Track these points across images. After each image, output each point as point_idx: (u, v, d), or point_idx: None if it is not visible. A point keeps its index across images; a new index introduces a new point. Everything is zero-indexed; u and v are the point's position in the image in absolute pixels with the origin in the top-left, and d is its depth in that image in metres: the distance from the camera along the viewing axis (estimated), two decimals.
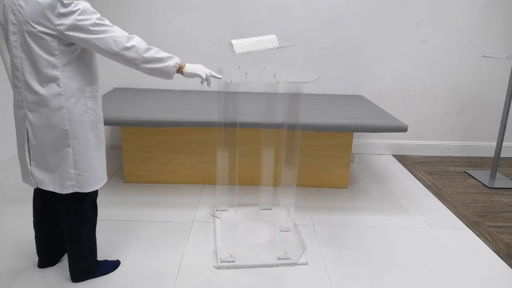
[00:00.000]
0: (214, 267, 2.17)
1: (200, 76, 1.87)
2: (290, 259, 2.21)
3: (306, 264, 2.19)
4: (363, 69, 3.97)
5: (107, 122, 2.75)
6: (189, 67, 1.84)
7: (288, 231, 2.41)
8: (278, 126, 2.80)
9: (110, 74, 3.82)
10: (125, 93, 3.59)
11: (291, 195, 2.29)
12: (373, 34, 3.86)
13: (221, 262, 2.18)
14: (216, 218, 2.66)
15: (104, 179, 1.93)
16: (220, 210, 2.76)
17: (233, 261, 2.19)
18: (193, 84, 3.86)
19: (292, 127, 2.37)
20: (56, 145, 1.74)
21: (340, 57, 3.91)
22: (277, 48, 1.89)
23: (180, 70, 1.82)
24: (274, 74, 2.07)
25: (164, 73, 1.78)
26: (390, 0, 3.78)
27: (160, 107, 3.07)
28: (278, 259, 2.21)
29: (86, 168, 1.81)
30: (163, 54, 1.76)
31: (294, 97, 2.26)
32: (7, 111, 3.37)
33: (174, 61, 1.78)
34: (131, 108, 3.02)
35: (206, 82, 1.91)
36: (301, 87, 2.15)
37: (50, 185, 1.81)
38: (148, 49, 1.72)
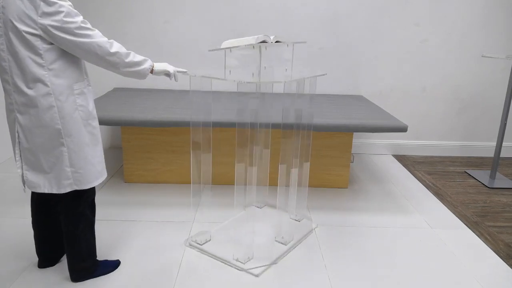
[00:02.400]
0: (184, 243, 2.36)
1: (168, 72, 2.02)
2: (243, 264, 2.18)
3: (256, 276, 2.10)
4: (363, 69, 3.97)
5: (107, 122, 2.75)
6: (157, 66, 1.98)
7: (284, 244, 2.37)
8: (276, 126, 2.79)
9: (110, 74, 3.81)
10: (125, 93, 3.59)
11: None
12: (373, 34, 3.87)
13: (192, 241, 2.36)
14: (244, 212, 2.73)
15: (103, 174, 1.92)
16: (255, 206, 2.82)
17: (200, 245, 2.33)
18: (193, 85, 3.85)
19: (289, 127, 2.37)
20: (49, 145, 1.74)
21: (340, 57, 3.91)
22: (253, 46, 1.93)
23: (151, 70, 1.95)
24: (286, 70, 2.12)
25: (141, 75, 1.89)
26: (390, 0, 3.78)
27: (160, 107, 3.07)
28: (233, 259, 2.21)
29: (83, 165, 1.80)
30: (139, 57, 1.86)
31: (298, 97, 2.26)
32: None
33: (148, 64, 1.90)
34: (131, 108, 3.02)
35: (174, 78, 2.06)
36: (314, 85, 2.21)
37: (46, 187, 1.79)
38: (128, 54, 1.80)
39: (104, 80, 3.84)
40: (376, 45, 3.90)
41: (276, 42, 2.09)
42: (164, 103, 3.22)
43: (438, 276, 2.20)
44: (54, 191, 1.80)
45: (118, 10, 3.69)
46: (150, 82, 3.87)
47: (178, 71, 2.09)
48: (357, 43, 3.88)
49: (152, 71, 1.95)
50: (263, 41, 2.01)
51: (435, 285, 2.11)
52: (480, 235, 2.66)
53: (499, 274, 2.25)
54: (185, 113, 2.93)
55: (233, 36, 3.71)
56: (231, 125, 2.78)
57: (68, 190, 1.81)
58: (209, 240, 2.39)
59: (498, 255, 2.42)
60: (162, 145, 3.13)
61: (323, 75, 2.29)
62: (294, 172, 2.38)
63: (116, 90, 3.75)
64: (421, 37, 3.90)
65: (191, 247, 2.33)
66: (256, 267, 2.16)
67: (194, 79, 2.24)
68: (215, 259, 2.24)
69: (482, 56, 3.85)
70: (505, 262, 2.36)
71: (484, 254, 2.43)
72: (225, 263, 2.20)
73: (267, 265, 2.19)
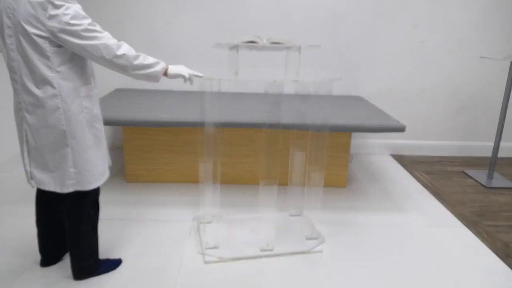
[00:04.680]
0: (192, 219, 2.65)
1: (183, 76, 1.98)
2: (205, 248, 2.33)
3: (204, 262, 2.20)
4: (362, 70, 3.99)
5: (109, 122, 2.76)
6: (172, 69, 1.94)
7: (259, 249, 2.35)
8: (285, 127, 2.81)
9: (111, 75, 3.79)
10: (127, 94, 3.61)
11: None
12: (372, 35, 3.89)
13: (198, 218, 2.64)
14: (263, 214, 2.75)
15: (105, 175, 1.94)
16: (293, 215, 2.78)
17: (199, 223, 2.58)
18: (194, 85, 3.87)
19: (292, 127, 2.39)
20: (55, 145, 1.76)
21: (339, 57, 3.93)
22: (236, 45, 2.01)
23: (164, 72, 1.91)
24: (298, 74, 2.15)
25: (152, 78, 1.87)
26: (390, 1, 3.80)
27: (161, 108, 3.09)
28: (203, 245, 2.34)
29: (86, 166, 1.83)
30: (150, 60, 1.83)
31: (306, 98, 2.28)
32: (7, 111, 3.37)
33: (160, 66, 1.87)
34: (133, 108, 3.04)
35: (189, 81, 2.03)
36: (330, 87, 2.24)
37: (51, 185, 1.83)
38: (137, 57, 1.78)
39: (106, 81, 3.84)
40: (375, 46, 3.92)
41: (274, 43, 2.10)
42: (165, 104, 3.24)
43: (436, 275, 2.21)
44: (58, 190, 1.83)
45: (119, 12, 3.71)
46: (151, 83, 3.88)
47: (194, 75, 2.04)
48: (356, 43, 3.90)
49: (166, 74, 1.92)
50: (252, 41, 2.04)
51: (433, 284, 2.13)
52: (478, 234, 2.68)
53: (497, 273, 2.27)
54: (186, 113, 2.95)
55: (233, 37, 3.73)
56: (236, 125, 2.81)
57: (70, 190, 1.83)
58: (210, 222, 2.58)
59: (496, 254, 2.44)
60: (163, 145, 3.14)
61: (321, 80, 2.30)
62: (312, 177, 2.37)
63: (117, 90, 3.77)
64: (420, 37, 3.92)
65: (193, 221, 2.61)
66: (212, 256, 2.25)
67: (203, 81, 2.24)
68: (195, 236, 2.43)
69: (480, 57, 3.87)
70: (503, 261, 2.38)
71: (482, 253, 2.45)
72: (198, 242, 2.39)
73: (220, 257, 2.24)
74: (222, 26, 3.78)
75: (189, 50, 3.82)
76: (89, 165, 1.84)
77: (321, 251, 2.36)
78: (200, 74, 2.05)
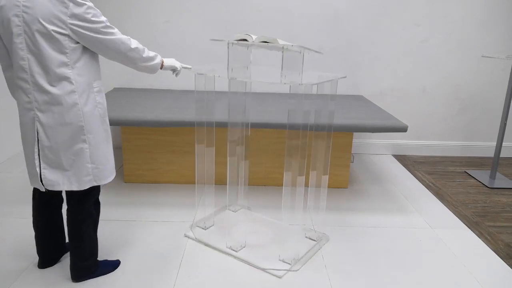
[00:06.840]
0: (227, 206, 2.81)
1: (176, 68, 2.13)
2: (189, 228, 2.49)
3: (185, 236, 2.41)
4: (363, 69, 3.97)
5: None
6: (166, 61, 2.08)
7: (230, 248, 2.33)
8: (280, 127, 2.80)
9: (110, 74, 3.82)
10: (126, 93, 3.59)
11: None
12: (373, 34, 3.87)
13: (228, 207, 2.81)
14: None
15: (114, 171, 1.98)
16: (308, 237, 2.58)
17: (227, 209, 2.81)
18: (193, 84, 3.86)
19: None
20: (71, 143, 1.76)
21: (340, 57, 3.91)
22: (229, 43, 2.09)
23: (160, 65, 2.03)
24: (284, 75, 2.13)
25: (154, 69, 1.98)
26: (390, 0, 3.78)
27: (160, 107, 3.07)
28: (197, 223, 2.49)
29: (102, 161, 1.86)
30: (152, 53, 1.94)
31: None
32: (7, 111, 3.37)
33: (159, 58, 1.99)
34: (132, 108, 3.03)
35: (176, 73, 2.17)
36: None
37: (65, 185, 1.81)
38: (143, 50, 1.88)
39: (104, 80, 3.84)
40: (376, 45, 3.90)
41: (264, 42, 2.08)
42: (164, 103, 3.22)
43: (438, 276, 2.20)
44: (75, 188, 1.82)
45: (118, 9, 3.69)
46: (151, 82, 3.88)
47: (183, 67, 2.19)
48: (357, 43, 3.88)
49: (161, 66, 2.03)
50: (244, 39, 2.04)
51: (435, 285, 2.12)
52: (480, 235, 2.66)
53: (499, 274, 2.25)
54: (185, 113, 2.93)
55: (233, 36, 3.72)
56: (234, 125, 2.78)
57: (87, 186, 1.84)
58: (238, 209, 2.79)
59: (498, 255, 2.43)
60: (162, 145, 3.13)
61: (314, 83, 2.25)
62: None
63: (116, 90, 3.75)
64: (421, 37, 3.90)
65: (226, 207, 2.85)
66: (192, 233, 2.47)
67: (198, 78, 2.26)
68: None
69: (482, 56, 3.85)
70: (505, 262, 2.37)
71: (484, 254, 2.44)
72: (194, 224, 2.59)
73: (195, 237, 2.42)
74: (222, 25, 3.76)
75: (188, 49, 3.80)
76: (104, 160, 1.87)
77: (280, 277, 2.12)
78: (189, 66, 2.21)
